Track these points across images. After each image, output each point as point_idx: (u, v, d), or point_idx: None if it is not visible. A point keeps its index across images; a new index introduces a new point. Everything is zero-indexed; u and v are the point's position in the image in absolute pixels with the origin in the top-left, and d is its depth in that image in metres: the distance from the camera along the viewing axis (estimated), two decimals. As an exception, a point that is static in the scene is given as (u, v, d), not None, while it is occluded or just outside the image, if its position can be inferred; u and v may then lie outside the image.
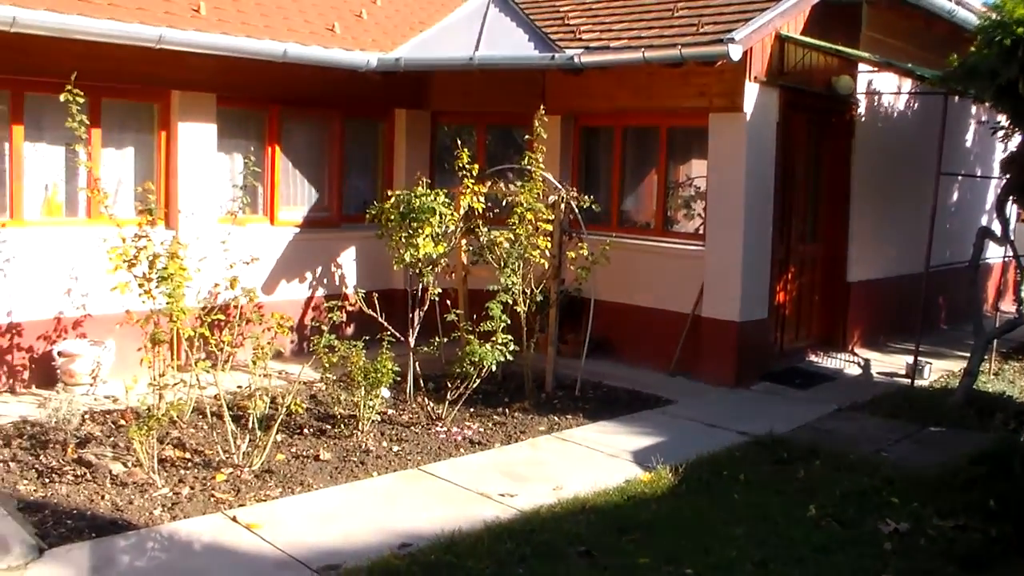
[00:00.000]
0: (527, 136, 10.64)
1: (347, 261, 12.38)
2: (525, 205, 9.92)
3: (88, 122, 8.20)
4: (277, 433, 7.86)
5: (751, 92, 10.84)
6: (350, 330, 11.06)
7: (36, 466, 7.50)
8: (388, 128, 12.94)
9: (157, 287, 7.83)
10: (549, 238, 10.03)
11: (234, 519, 6.62)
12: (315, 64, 10.97)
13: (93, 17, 9.18)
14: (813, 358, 12.59)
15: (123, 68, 10.01)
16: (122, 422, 8.56)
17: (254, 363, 7.76)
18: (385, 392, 8.94)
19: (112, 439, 8.18)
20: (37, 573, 5.76)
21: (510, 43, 12.01)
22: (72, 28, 9.03)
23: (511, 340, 9.02)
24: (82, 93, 7.94)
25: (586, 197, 10.45)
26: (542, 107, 10.49)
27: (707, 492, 7.56)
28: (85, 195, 10.21)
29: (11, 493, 6.94)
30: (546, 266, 10.21)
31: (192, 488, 7.14)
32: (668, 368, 11.42)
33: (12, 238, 9.61)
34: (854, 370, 12.27)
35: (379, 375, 8.43)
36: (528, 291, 10.08)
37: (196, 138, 10.80)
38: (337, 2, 12.34)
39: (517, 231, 9.97)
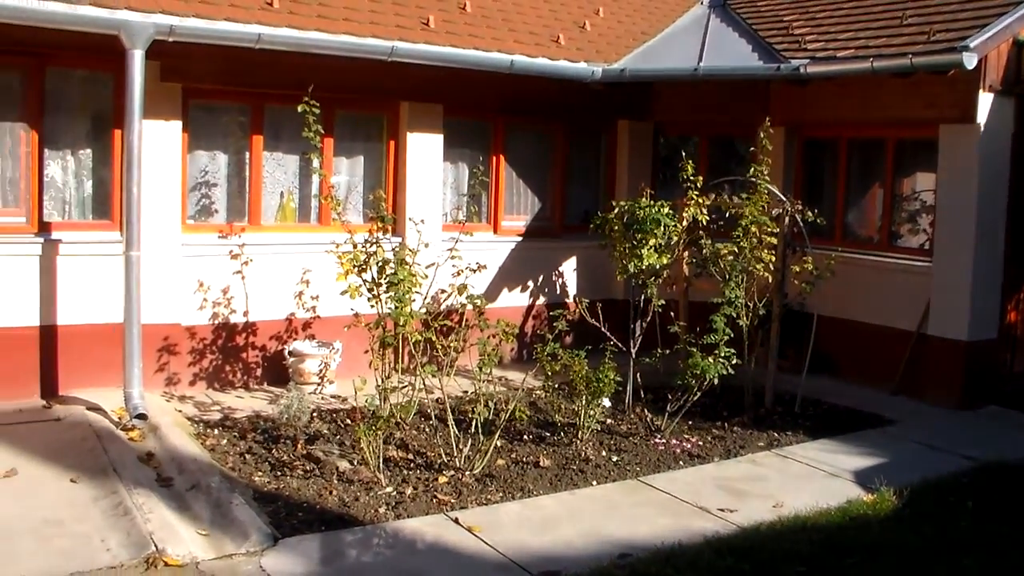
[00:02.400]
0: (751, 147, 10.52)
1: (568, 270, 12.48)
2: (750, 218, 9.81)
3: (322, 132, 8.51)
4: (498, 439, 7.98)
5: (985, 102, 10.42)
6: (569, 339, 11.14)
7: (269, 459, 7.86)
8: (610, 139, 12.99)
9: (386, 292, 8.05)
10: (773, 251, 9.89)
11: (456, 521, 6.76)
12: (541, 75, 11.10)
13: (330, 32, 9.54)
14: (1047, 382, 12.00)
15: (355, 80, 10.38)
16: (348, 421, 8.86)
17: (479, 369, 7.91)
18: (606, 402, 8.97)
19: (339, 437, 8.47)
20: (272, 560, 6.02)
21: (734, 53, 11.90)
22: (311, 43, 9.41)
23: (734, 354, 8.93)
24: (317, 104, 8.26)
25: (811, 210, 10.25)
26: (767, 119, 10.36)
27: (932, 518, 7.28)
28: (317, 202, 10.63)
29: (247, 483, 7.29)
30: (769, 280, 10.07)
31: (415, 488, 7.33)
32: (890, 387, 11.07)
33: (250, 243, 10.10)
34: (1093, 396, 11.64)
35: (601, 385, 8.45)
36: (751, 304, 9.95)
37: (423, 148, 11.09)
38: (561, 14, 12.46)
39: (741, 244, 9.87)
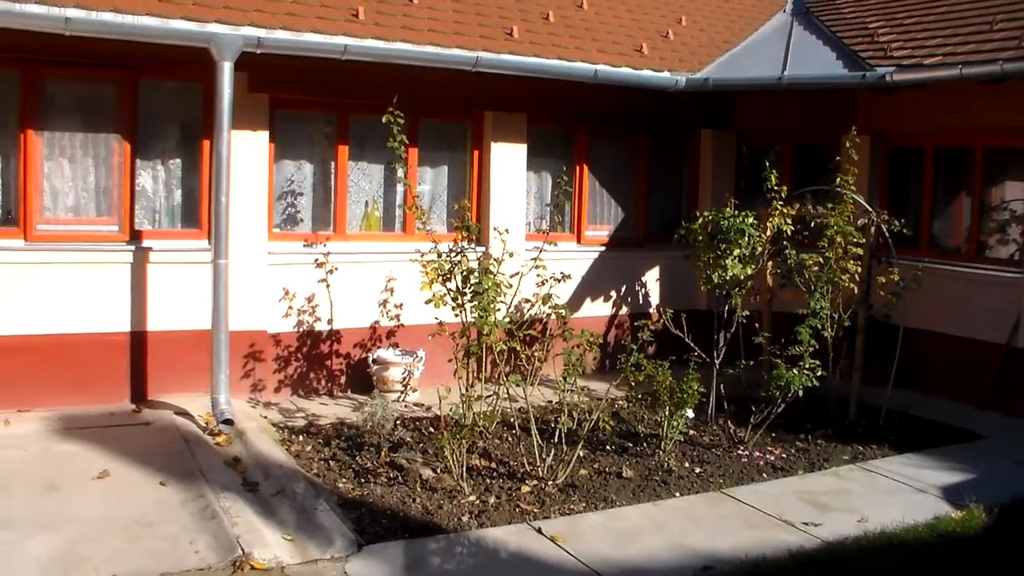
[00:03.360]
0: (835, 157, 10.41)
1: (650, 280, 12.45)
2: (835, 228, 9.71)
3: (407, 142, 8.59)
4: (581, 448, 7.98)
5: (1078, 110, 10.22)
6: (652, 349, 11.11)
7: (353, 466, 7.93)
8: (693, 148, 12.93)
9: (470, 301, 8.08)
10: (858, 262, 9.78)
11: (539, 530, 6.76)
12: (624, 85, 11.08)
13: (415, 43, 9.62)
14: None
15: (439, 90, 10.46)
16: (431, 429, 8.91)
17: (564, 379, 7.91)
18: (689, 412, 8.92)
19: (422, 445, 8.52)
20: (356, 566, 6.07)
21: (818, 62, 11.78)
22: (396, 54, 9.50)
23: (819, 365, 8.83)
24: (402, 115, 8.33)
25: (897, 221, 10.12)
26: (853, 128, 10.25)
27: (1024, 537, 7.13)
28: (402, 211, 10.73)
29: (332, 490, 7.36)
30: (854, 290, 9.96)
31: (498, 497, 7.35)
32: (978, 401, 10.83)
33: (335, 251, 10.22)
34: None
35: (684, 395, 8.41)
36: (835, 316, 9.84)
37: (507, 157, 11.15)
38: (644, 23, 12.44)
39: (827, 254, 9.77)
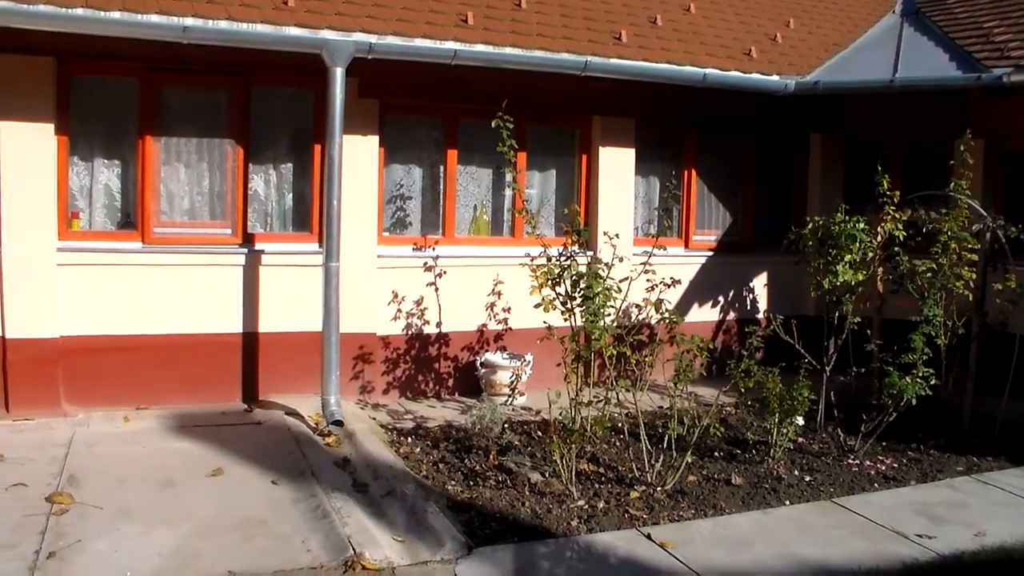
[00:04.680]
0: (948, 161, 10.20)
1: (758, 286, 12.34)
2: (949, 233, 9.52)
3: (516, 146, 8.61)
4: (689, 455, 7.92)
5: None
6: (760, 355, 11.00)
7: (461, 469, 7.97)
8: (801, 152, 12.77)
9: (580, 306, 8.07)
10: (973, 268, 9.57)
11: (648, 536, 6.72)
12: (732, 88, 10.99)
13: (524, 48, 9.65)
14: None
15: (548, 94, 10.49)
16: (539, 433, 8.92)
17: (674, 384, 7.87)
18: (799, 420, 8.81)
19: (530, 449, 8.53)
20: (466, 569, 6.10)
21: (930, 63, 11.52)
22: (505, 59, 9.55)
23: (932, 374, 8.66)
24: (511, 119, 8.36)
25: (1014, 226, 9.88)
26: (968, 131, 10.04)
27: None
28: (510, 215, 10.78)
29: (441, 492, 7.40)
30: (969, 297, 9.74)
31: (607, 503, 7.33)
32: (1102, 413, 10.55)
33: (443, 255, 10.31)
34: None
35: (794, 403, 8.30)
36: (949, 323, 9.64)
37: (615, 162, 11.14)
38: (752, 26, 12.33)
39: (940, 260, 9.58)
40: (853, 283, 9.71)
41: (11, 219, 8.73)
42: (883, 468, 8.57)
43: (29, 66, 8.71)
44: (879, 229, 9.94)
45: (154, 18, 8.23)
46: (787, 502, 7.65)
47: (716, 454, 8.70)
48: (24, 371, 8.84)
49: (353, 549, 6.14)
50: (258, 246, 9.63)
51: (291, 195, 10.05)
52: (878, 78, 11.40)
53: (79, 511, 6.62)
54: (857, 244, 9.63)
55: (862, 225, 9.68)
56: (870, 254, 9.92)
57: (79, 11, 7.99)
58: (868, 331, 9.94)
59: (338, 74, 8.81)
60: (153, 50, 8.69)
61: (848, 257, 9.60)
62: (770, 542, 6.80)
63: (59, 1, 7.95)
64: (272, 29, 8.65)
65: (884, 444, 9.11)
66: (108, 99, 9.38)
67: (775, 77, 11.24)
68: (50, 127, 8.85)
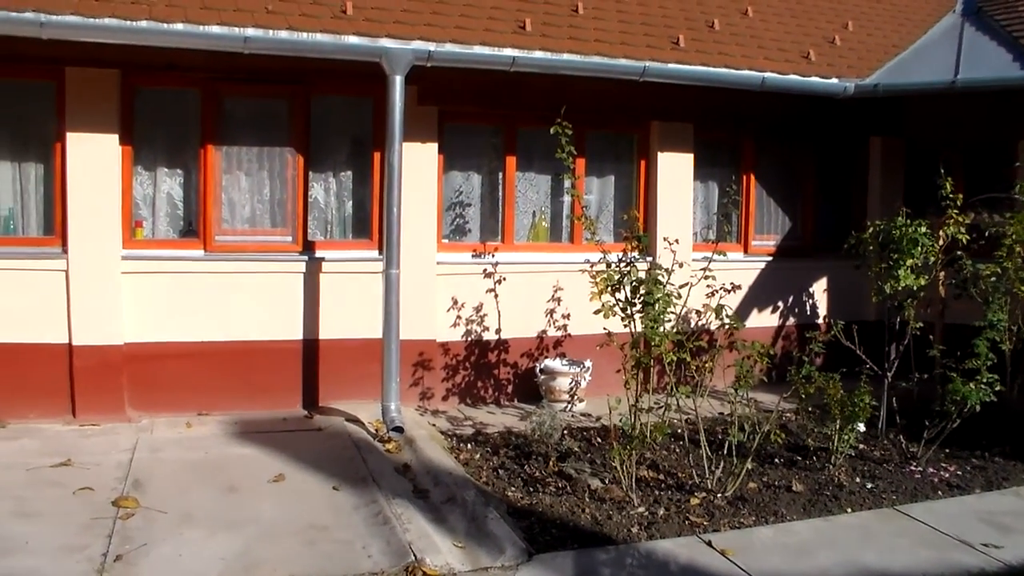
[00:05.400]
0: (1016, 163, 10.07)
1: (818, 291, 12.24)
2: (1014, 237, 9.40)
3: (575, 152, 8.61)
4: (750, 461, 7.88)
5: None
6: (819, 361, 10.91)
7: (521, 475, 7.98)
8: (861, 155, 12.65)
9: (640, 312, 8.05)
10: (1039, 272, 9.45)
11: (709, 543, 6.68)
12: (791, 92, 10.92)
13: (582, 54, 9.66)
14: None
15: (606, 100, 10.49)
16: (599, 439, 8.92)
17: (735, 390, 7.84)
18: (860, 426, 8.72)
19: (589, 455, 8.52)
20: (527, 575, 6.11)
21: (992, 63, 11.33)
22: (564, 65, 9.57)
23: (997, 380, 8.54)
24: (570, 125, 8.37)
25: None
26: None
27: None
28: (569, 222, 10.78)
29: (501, 498, 7.41)
30: (1034, 302, 9.62)
31: (667, 509, 7.30)
32: None
33: (503, 261, 10.35)
34: None
35: (856, 409, 8.22)
36: (1014, 328, 9.52)
37: (674, 167, 11.11)
38: (810, 29, 12.24)
39: (1004, 264, 9.46)
40: (915, 288, 9.62)
41: (78, 228, 8.90)
42: (947, 476, 8.45)
43: (95, 78, 8.89)
44: (941, 233, 9.83)
45: (215, 29, 8.35)
46: (849, 509, 7.57)
47: (776, 461, 8.64)
48: (90, 377, 9.00)
49: (414, 555, 6.17)
50: (318, 253, 9.71)
51: (351, 202, 10.13)
52: (939, 79, 11.24)
53: (144, 515, 6.72)
54: (919, 248, 9.54)
55: (924, 229, 9.59)
56: (932, 258, 9.83)
57: (143, 23, 8.13)
58: (930, 336, 9.81)
59: (397, 82, 8.87)
60: (214, 60, 8.82)
61: (910, 261, 9.51)
62: (832, 550, 6.74)
63: (124, 14, 8.11)
64: (331, 38, 8.73)
65: (947, 451, 8.98)
66: (171, 109, 9.53)
67: (834, 80, 11.14)
68: (115, 137, 9.00)
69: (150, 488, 7.27)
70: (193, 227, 9.58)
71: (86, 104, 8.87)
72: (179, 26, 8.26)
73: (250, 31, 8.42)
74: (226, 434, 8.80)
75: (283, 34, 8.56)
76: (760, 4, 12.28)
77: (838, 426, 8.42)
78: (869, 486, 8.11)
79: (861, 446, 9.06)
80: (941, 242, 9.89)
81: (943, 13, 13.10)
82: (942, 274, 10.44)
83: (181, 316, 9.31)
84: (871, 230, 9.98)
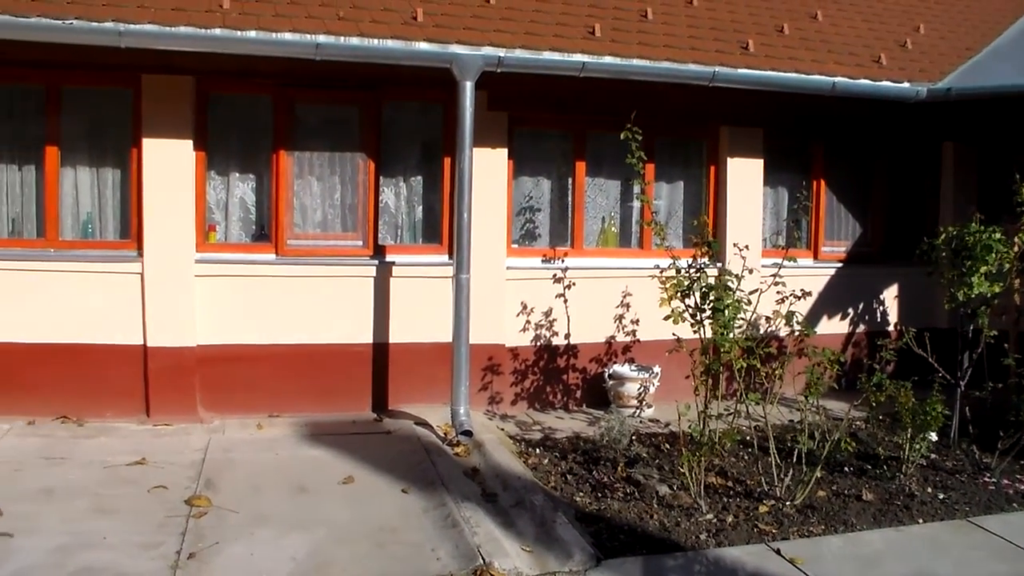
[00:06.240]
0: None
1: (888, 298, 12.12)
2: (1091, 244, 9.26)
3: (645, 158, 8.61)
4: (819, 469, 7.82)
5: None
6: (890, 368, 10.81)
7: (589, 480, 7.98)
8: (933, 160, 12.48)
9: (710, 318, 8.03)
10: (1118, 280, 9.28)
11: (777, 551, 6.64)
12: (862, 97, 10.77)
13: (651, 59, 9.64)
14: None
15: (675, 105, 10.45)
16: (667, 445, 8.90)
17: (805, 397, 7.78)
18: (932, 436, 8.61)
19: (657, 461, 8.50)
20: (595, 581, 6.12)
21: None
22: (633, 70, 9.53)
23: (1074, 390, 8.41)
24: (640, 131, 8.36)
25: None
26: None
27: None
28: (638, 227, 10.77)
29: (569, 503, 7.42)
30: (1113, 310, 9.45)
31: (736, 517, 7.26)
32: None
33: (572, 267, 10.35)
34: None
35: (928, 418, 8.13)
36: (1093, 337, 9.37)
37: (743, 173, 11.07)
38: (881, 32, 12.11)
39: (1082, 271, 9.32)
40: (989, 295, 9.49)
41: (153, 232, 9.07)
42: (1022, 487, 8.32)
43: (170, 85, 9.06)
44: (1016, 240, 9.66)
45: (288, 36, 8.46)
46: (920, 520, 7.46)
47: (846, 469, 8.55)
48: (164, 378, 9.17)
49: (482, 558, 6.18)
50: (388, 258, 9.79)
51: (421, 207, 10.20)
52: (1014, 82, 11.01)
53: (216, 514, 6.82)
54: (993, 255, 9.41)
55: (998, 235, 9.44)
56: (1007, 265, 9.66)
57: (217, 31, 8.26)
58: (1005, 345, 9.66)
59: (468, 88, 8.91)
60: (286, 67, 8.91)
61: (984, 268, 9.38)
62: (903, 561, 6.67)
63: (199, 22, 8.26)
64: (402, 44, 8.81)
65: (1022, 463, 8.85)
66: (243, 115, 9.68)
67: (906, 84, 11.00)
68: (189, 143, 9.17)
69: (222, 488, 7.38)
70: (265, 231, 9.70)
71: (161, 110, 9.05)
72: (252, 33, 8.38)
73: (322, 38, 8.51)
74: (296, 436, 8.91)
75: (354, 40, 8.65)
76: (830, 8, 12.21)
77: (909, 435, 8.31)
78: (941, 496, 7.99)
79: (933, 456, 8.94)
80: (1016, 249, 9.73)
81: (1019, 15, 12.93)
82: (1017, 281, 10.25)
83: (253, 319, 9.44)
84: (944, 236, 9.86)
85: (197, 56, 8.51)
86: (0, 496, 6.94)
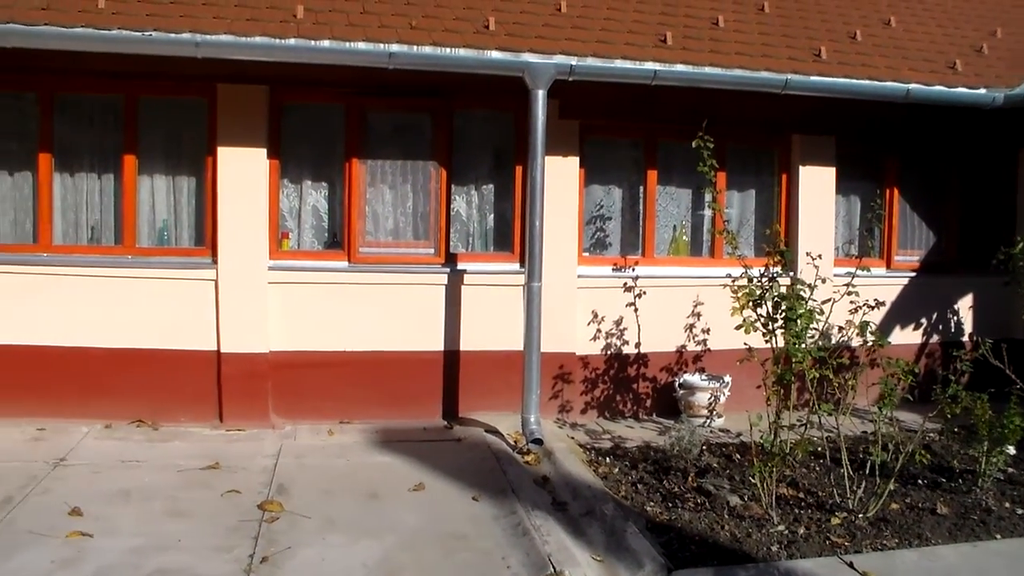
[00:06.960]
0: None
1: (963, 308, 11.92)
2: None
3: (716, 166, 8.57)
4: (892, 482, 7.73)
5: None
6: (964, 380, 10.65)
7: (660, 490, 7.94)
8: (1010, 168, 12.25)
9: (781, 328, 7.96)
10: None
11: (850, 565, 6.56)
12: (937, 103, 10.61)
13: (723, 67, 9.58)
14: None
15: (746, 113, 10.39)
16: (737, 456, 8.84)
17: (878, 408, 7.69)
18: (1010, 449, 8.47)
19: (728, 471, 8.44)
20: (665, 592, 6.10)
21: None
22: (705, 78, 9.48)
23: None
24: (711, 139, 8.33)
25: None
26: None
27: None
28: (709, 236, 10.73)
29: (639, 513, 7.38)
30: None
31: (807, 528, 7.19)
32: None
33: (643, 275, 10.35)
34: None
35: (1005, 431, 7.98)
36: None
37: (816, 181, 10.96)
38: (956, 38, 11.91)
39: None
40: (1068, 306, 9.34)
41: (227, 240, 9.20)
42: (1105, 503, 8.16)
43: (244, 94, 9.20)
44: (1095, 250, 9.53)
45: (361, 45, 8.54)
46: (998, 535, 7.30)
47: (919, 482, 8.42)
48: (237, 384, 9.29)
49: (553, 567, 6.19)
50: (460, 266, 9.84)
51: (492, 215, 10.25)
52: (1095, 84, 10.86)
53: (288, 519, 6.90)
54: (1073, 265, 9.26)
55: (1078, 244, 9.30)
56: (1087, 275, 9.53)
57: (291, 41, 8.37)
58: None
59: (540, 96, 8.93)
60: (359, 76, 9.00)
61: (1063, 278, 9.24)
62: (978, 576, 6.58)
63: (273, 32, 8.37)
64: (474, 53, 8.84)
65: (1105, 478, 8.68)
66: (316, 124, 9.79)
67: (982, 90, 10.80)
68: (262, 151, 9.29)
69: (294, 493, 7.46)
70: (337, 239, 9.80)
71: (236, 119, 9.19)
72: (326, 43, 8.48)
73: (394, 47, 8.58)
74: (367, 442, 8.97)
75: (427, 49, 8.71)
76: (903, 14, 12.06)
77: (986, 448, 8.18)
78: (1020, 512, 7.83)
79: (1010, 470, 8.76)
80: (1094, 259, 9.59)
81: (1101, 17, 12.69)
82: (1095, 292, 10.11)
83: (325, 325, 9.54)
84: (1021, 246, 9.72)
85: (271, 66, 8.65)
86: (79, 497, 7.09)
